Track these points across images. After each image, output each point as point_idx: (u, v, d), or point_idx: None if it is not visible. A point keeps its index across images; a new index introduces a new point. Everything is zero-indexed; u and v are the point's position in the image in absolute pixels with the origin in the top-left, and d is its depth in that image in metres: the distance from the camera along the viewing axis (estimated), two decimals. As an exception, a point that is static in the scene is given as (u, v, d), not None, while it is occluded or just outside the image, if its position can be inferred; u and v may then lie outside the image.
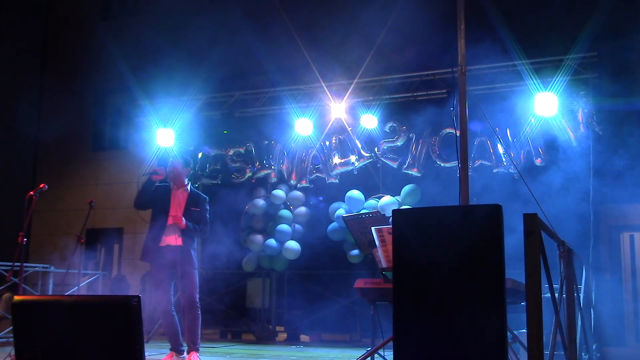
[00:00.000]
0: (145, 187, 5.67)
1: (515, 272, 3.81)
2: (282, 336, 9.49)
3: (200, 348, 5.72)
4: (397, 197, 8.22)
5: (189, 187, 5.84)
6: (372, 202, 8.39)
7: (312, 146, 8.89)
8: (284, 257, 8.89)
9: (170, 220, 5.58)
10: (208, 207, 5.87)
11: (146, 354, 3.45)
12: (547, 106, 7.32)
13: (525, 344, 3.20)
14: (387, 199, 8.21)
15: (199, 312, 5.64)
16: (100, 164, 13.25)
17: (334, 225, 8.59)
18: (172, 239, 5.56)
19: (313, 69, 8.95)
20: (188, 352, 5.60)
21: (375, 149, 8.52)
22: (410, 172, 8.30)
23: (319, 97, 8.79)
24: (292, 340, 9.25)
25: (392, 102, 8.61)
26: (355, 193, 8.44)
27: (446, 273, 3.30)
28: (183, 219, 5.55)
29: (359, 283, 4.93)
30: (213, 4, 12.68)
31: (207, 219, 5.83)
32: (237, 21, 11.88)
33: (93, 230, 12.42)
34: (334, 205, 8.67)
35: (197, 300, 5.64)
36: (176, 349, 5.64)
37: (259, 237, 9.03)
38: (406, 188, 8.19)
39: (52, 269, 8.97)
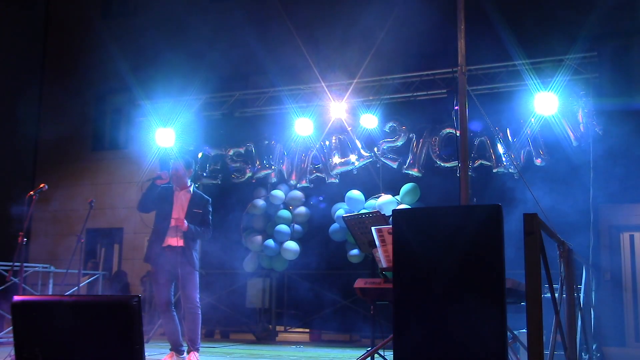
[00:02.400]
0: (149, 191, 5.69)
1: (515, 272, 3.82)
2: (282, 336, 9.49)
3: (200, 348, 5.72)
4: (397, 197, 8.22)
5: (191, 189, 5.84)
6: (372, 202, 8.38)
7: (312, 146, 8.87)
8: (283, 257, 8.89)
9: (172, 222, 5.59)
10: (211, 209, 5.87)
11: (146, 354, 3.44)
12: (547, 105, 7.31)
13: (525, 344, 3.20)
14: (385, 197, 8.21)
15: (199, 313, 5.65)
16: (100, 164, 13.27)
17: (335, 225, 8.59)
18: (174, 240, 5.57)
19: (313, 69, 8.97)
20: (188, 352, 5.60)
21: (375, 149, 8.50)
22: (410, 172, 8.28)
23: (319, 97, 8.77)
24: (292, 340, 9.25)
25: (392, 102, 8.60)
26: (355, 193, 8.43)
27: (446, 273, 3.29)
28: (185, 221, 5.56)
29: (359, 283, 4.92)
30: (213, 4, 12.70)
31: (210, 220, 5.83)
32: (237, 21, 11.89)
33: (93, 230, 12.43)
34: (337, 205, 8.67)
35: (198, 301, 5.65)
36: (176, 349, 5.65)
37: (258, 238, 9.03)
38: (405, 187, 8.19)
39: (52, 269, 8.97)
